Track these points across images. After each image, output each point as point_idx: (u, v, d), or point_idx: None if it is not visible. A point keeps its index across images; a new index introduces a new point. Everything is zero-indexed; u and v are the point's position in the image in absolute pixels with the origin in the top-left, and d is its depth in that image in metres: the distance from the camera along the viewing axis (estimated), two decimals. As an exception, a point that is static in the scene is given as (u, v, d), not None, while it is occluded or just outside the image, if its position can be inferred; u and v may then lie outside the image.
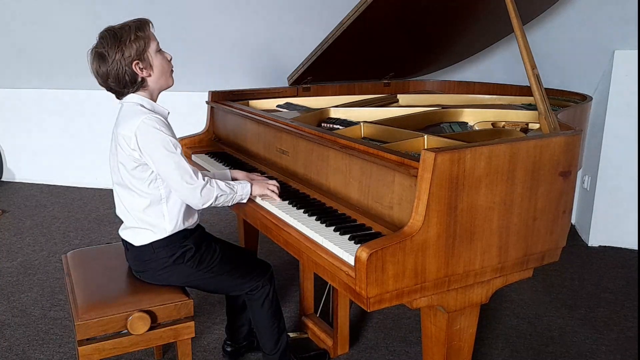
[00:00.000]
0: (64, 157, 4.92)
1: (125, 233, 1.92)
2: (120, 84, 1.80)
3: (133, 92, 1.84)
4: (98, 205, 4.39)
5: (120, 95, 1.86)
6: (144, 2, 3.61)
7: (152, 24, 1.85)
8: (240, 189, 1.90)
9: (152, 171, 1.80)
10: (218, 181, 1.85)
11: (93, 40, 1.80)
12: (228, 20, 3.69)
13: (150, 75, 1.82)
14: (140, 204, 1.84)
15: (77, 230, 3.87)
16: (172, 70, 1.90)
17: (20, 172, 5.05)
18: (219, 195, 1.83)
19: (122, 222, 1.95)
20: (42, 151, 4.95)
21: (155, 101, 1.89)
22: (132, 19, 1.82)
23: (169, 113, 1.90)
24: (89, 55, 1.81)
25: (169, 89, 1.93)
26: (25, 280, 3.10)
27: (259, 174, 2.16)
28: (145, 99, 1.85)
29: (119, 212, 1.94)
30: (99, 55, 1.78)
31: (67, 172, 4.92)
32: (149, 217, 1.85)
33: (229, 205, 1.92)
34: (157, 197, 1.83)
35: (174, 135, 1.80)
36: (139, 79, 1.80)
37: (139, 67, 1.79)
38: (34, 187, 4.88)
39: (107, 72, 1.78)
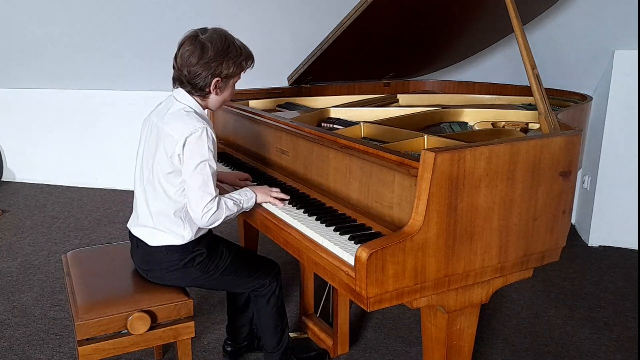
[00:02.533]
0: (64, 157, 4.92)
1: (139, 230, 1.90)
2: (191, 82, 1.78)
3: (192, 95, 1.83)
4: (98, 205, 4.39)
5: (178, 85, 1.83)
6: (144, 2, 3.61)
7: (254, 64, 1.87)
8: (245, 202, 1.88)
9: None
10: (227, 201, 1.82)
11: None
12: (228, 20, 3.68)
13: (216, 95, 1.83)
14: (165, 208, 1.82)
15: (77, 230, 3.87)
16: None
17: (20, 172, 5.05)
18: (227, 215, 1.81)
19: (133, 217, 1.93)
20: (42, 151, 4.95)
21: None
22: (247, 46, 1.84)
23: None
24: (188, 32, 1.78)
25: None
26: (25, 280, 3.10)
27: (244, 174, 2.15)
28: (199, 105, 1.84)
29: (139, 210, 1.90)
30: (201, 44, 1.74)
31: (67, 172, 4.92)
32: (170, 222, 1.83)
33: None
34: (181, 206, 1.82)
35: (215, 156, 1.79)
36: (207, 91, 1.81)
37: (216, 84, 1.79)
38: (34, 187, 4.88)
39: (192, 63, 1.75)
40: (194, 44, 1.76)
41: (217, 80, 1.79)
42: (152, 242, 1.86)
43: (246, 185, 2.04)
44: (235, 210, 1.85)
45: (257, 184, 2.10)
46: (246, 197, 1.89)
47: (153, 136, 1.83)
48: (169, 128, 1.76)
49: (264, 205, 1.93)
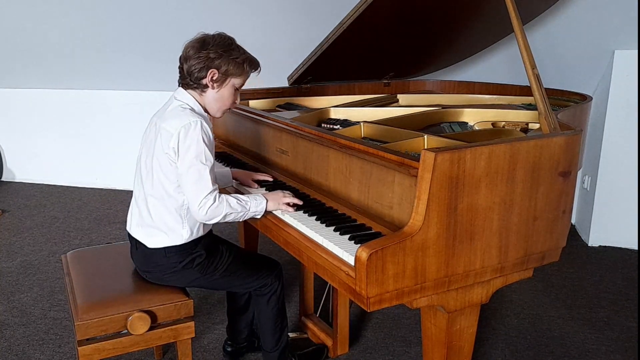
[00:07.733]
0: (64, 157, 4.92)
1: (137, 231, 1.90)
2: (188, 72, 1.82)
3: (191, 89, 1.85)
4: (98, 205, 4.39)
5: (182, 80, 1.86)
6: (145, 3, 3.61)
7: (260, 70, 1.90)
8: (254, 205, 1.83)
9: None
10: (230, 198, 1.79)
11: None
12: (228, 20, 3.69)
13: (212, 89, 1.83)
14: (164, 205, 1.82)
15: (77, 230, 3.87)
16: (227, 110, 1.93)
17: (20, 172, 5.05)
18: (228, 213, 1.78)
19: (131, 218, 1.93)
20: (42, 151, 4.95)
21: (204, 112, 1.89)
22: (253, 56, 1.88)
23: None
24: (198, 34, 1.85)
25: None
26: (25, 280, 3.10)
27: (262, 174, 2.14)
28: (198, 104, 1.86)
29: (138, 208, 1.90)
30: (202, 40, 1.82)
31: (67, 172, 4.92)
32: (169, 220, 1.83)
33: (240, 221, 1.88)
34: (180, 202, 1.82)
35: (212, 150, 1.79)
36: (203, 83, 1.82)
37: (212, 77, 1.81)
38: (34, 187, 4.88)
39: (191, 56, 1.80)
40: (197, 41, 1.83)
41: (213, 72, 1.80)
42: (150, 244, 1.86)
43: (256, 187, 2.04)
44: (239, 210, 1.80)
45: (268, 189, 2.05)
46: (255, 200, 1.84)
47: (152, 134, 1.85)
48: (166, 124, 1.78)
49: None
